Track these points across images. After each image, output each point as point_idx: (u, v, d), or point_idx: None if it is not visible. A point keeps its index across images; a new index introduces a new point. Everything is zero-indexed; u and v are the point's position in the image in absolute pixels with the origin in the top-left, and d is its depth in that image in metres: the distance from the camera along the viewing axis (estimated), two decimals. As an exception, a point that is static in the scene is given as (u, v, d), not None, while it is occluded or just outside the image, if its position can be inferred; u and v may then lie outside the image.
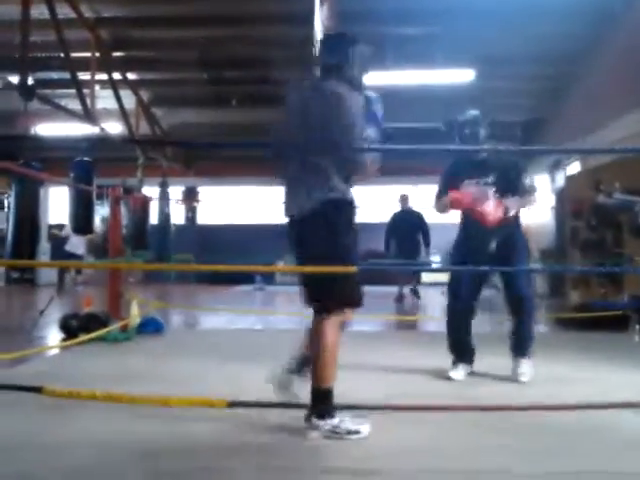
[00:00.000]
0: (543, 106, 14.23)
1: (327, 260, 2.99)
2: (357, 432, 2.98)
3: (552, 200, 13.33)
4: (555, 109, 13.92)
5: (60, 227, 14.70)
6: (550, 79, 13.15)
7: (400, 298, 10.92)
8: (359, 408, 3.32)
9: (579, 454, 2.84)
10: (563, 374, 4.52)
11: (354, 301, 3.10)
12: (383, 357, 5.19)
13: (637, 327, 6.67)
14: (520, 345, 4.40)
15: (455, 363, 4.46)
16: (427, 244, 10.92)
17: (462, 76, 11.65)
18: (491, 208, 4.16)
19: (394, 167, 14.37)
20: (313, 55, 7.93)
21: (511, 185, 4.25)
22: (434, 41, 10.79)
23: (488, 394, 3.96)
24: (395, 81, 11.70)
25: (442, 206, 4.40)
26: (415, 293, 11.26)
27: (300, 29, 8.88)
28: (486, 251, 4.32)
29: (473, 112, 4.49)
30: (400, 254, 10.67)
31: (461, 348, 4.49)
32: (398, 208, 11.24)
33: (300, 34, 8.92)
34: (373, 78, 11.77)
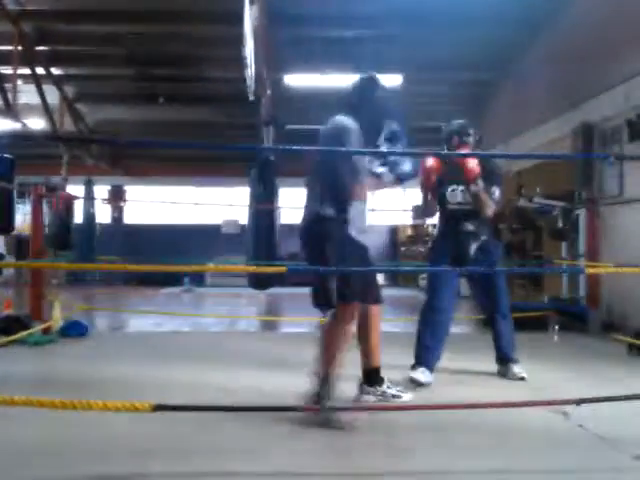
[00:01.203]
0: (468, 111, 14.58)
1: (313, 261, 3.53)
2: (399, 397, 3.76)
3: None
4: (479, 115, 14.30)
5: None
6: (475, 85, 13.49)
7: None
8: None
9: (503, 453, 2.93)
10: (487, 374, 4.65)
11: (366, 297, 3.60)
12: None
13: (556, 327, 6.93)
14: (504, 349, 4.57)
15: (416, 365, 4.33)
16: None
17: (390, 80, 11.81)
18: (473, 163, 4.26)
19: None
20: (242, 55, 7.90)
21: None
22: (362, 44, 10.91)
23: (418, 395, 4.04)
24: (321, 83, 11.80)
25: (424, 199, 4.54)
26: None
27: (230, 28, 8.82)
28: (465, 254, 4.40)
29: (459, 121, 4.58)
30: None
31: (429, 355, 4.33)
32: None
33: (229, 33, 8.86)
34: (300, 80, 11.77)
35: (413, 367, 4.31)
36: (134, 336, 7.24)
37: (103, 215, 15.76)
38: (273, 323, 7.22)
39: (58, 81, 12.79)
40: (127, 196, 18.38)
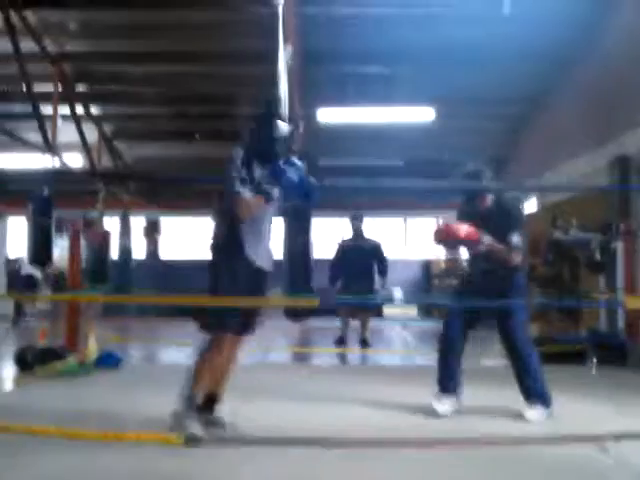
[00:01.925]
0: (502, 146, 14.55)
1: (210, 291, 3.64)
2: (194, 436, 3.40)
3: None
4: (514, 149, 14.25)
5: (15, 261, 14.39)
6: (509, 119, 13.48)
7: (341, 341, 8.68)
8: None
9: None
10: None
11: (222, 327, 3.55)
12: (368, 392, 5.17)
13: (594, 361, 6.77)
14: (527, 392, 4.32)
15: (440, 395, 4.37)
16: (383, 273, 8.90)
17: (423, 115, 11.86)
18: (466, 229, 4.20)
19: (376, 203, 14.60)
20: (276, 94, 8.02)
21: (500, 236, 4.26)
22: (395, 80, 11.01)
23: (452, 429, 3.97)
24: (357, 119, 11.89)
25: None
26: (364, 344, 8.71)
27: (264, 67, 8.96)
28: (480, 288, 4.37)
29: (474, 166, 4.52)
30: (349, 289, 8.65)
31: (448, 381, 4.39)
32: (348, 235, 9.19)
33: (263, 72, 9.00)
34: (333, 115, 11.94)
35: (436, 395, 4.35)
36: (168, 368, 7.25)
37: (139, 250, 15.92)
38: (306, 355, 7.19)
39: (96, 119, 13.12)
40: (162, 229, 18.51)
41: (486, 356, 7.04)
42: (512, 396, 4.33)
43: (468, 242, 4.26)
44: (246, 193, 3.55)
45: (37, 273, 13.22)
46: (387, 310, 14.97)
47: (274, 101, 4.09)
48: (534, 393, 4.26)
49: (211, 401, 3.68)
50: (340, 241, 9.22)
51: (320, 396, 4.90)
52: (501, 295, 4.32)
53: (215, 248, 3.72)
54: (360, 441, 3.44)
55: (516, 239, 4.23)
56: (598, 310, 8.49)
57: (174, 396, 4.08)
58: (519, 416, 4.20)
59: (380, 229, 14.88)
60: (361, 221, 9.06)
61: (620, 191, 8.67)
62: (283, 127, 3.81)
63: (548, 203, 10.85)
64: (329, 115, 12.07)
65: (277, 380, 5.77)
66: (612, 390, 5.43)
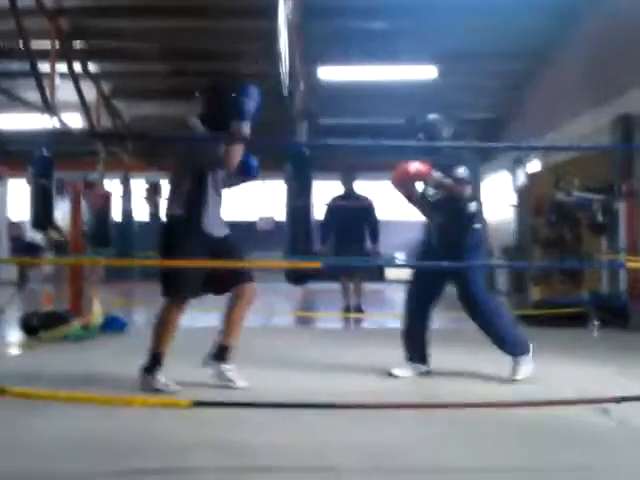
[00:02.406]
0: (505, 103, 14.40)
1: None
2: (233, 382, 3.97)
3: (513, 197, 13.51)
4: (517, 106, 14.11)
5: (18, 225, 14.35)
6: (512, 76, 13.29)
7: (347, 309, 8.40)
8: (323, 406, 3.31)
9: (540, 450, 2.89)
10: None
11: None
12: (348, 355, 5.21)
13: (596, 323, 6.81)
14: (499, 346, 4.36)
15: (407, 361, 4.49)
16: (375, 239, 8.41)
17: (425, 73, 11.70)
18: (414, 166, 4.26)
19: (363, 164, 14.51)
20: (277, 50, 7.91)
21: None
22: (398, 37, 10.83)
23: (450, 391, 4.01)
24: (359, 77, 11.73)
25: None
26: (358, 310, 8.41)
27: (264, 22, 8.81)
28: (433, 244, 4.45)
29: (433, 116, 4.52)
30: (339, 251, 8.22)
31: (411, 345, 4.49)
32: (340, 191, 8.70)
33: (264, 27, 8.86)
34: (334, 73, 11.73)
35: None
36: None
37: (141, 211, 15.88)
38: (308, 319, 7.22)
39: (95, 77, 12.94)
40: (163, 192, 18.49)
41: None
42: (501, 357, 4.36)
43: (419, 177, 4.29)
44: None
45: (39, 238, 13.20)
46: (390, 273, 15.02)
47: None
48: (508, 344, 4.30)
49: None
50: (329, 199, 8.69)
51: (319, 360, 4.94)
52: (455, 253, 4.28)
53: (171, 217, 4.04)
54: (360, 404, 3.48)
55: (462, 171, 4.23)
56: (600, 272, 8.51)
57: (179, 359, 4.14)
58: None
59: (381, 190, 14.84)
60: (352, 178, 8.58)
61: (623, 151, 8.60)
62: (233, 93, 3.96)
63: (551, 164, 10.78)
64: (330, 73, 11.92)
65: (277, 344, 5.82)
66: (614, 352, 5.48)
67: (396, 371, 4.43)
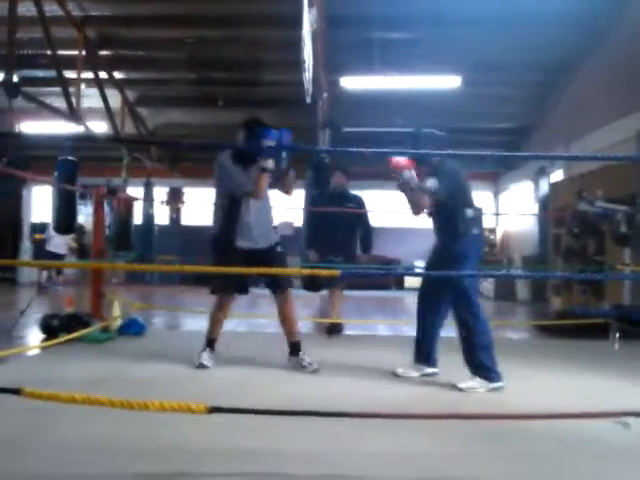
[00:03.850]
0: (530, 113, 14.34)
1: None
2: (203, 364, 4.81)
3: (535, 207, 13.42)
4: (541, 117, 14.03)
5: (42, 227, 14.54)
6: (536, 87, 13.24)
7: (333, 329, 7.04)
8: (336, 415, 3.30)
9: (558, 462, 2.86)
10: (545, 382, 4.55)
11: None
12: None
13: (617, 335, 6.72)
14: (465, 361, 4.35)
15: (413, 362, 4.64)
16: (366, 246, 7.27)
17: (448, 82, 11.68)
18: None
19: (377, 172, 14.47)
20: (301, 59, 7.94)
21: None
22: (421, 46, 10.84)
23: (467, 401, 3.98)
24: (382, 85, 11.73)
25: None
26: (331, 331, 7.02)
27: (288, 31, 8.87)
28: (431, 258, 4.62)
29: (424, 130, 4.52)
30: (326, 255, 7.00)
31: (419, 347, 4.62)
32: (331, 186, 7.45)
33: (288, 36, 8.91)
34: (357, 82, 11.68)
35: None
36: (190, 335, 7.33)
37: (162, 216, 16.05)
38: (324, 325, 7.21)
39: (120, 85, 13.11)
40: (185, 198, 18.66)
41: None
42: (526, 368, 4.32)
43: (397, 169, 4.32)
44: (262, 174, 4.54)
45: (61, 243, 13.36)
46: (409, 281, 14.99)
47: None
48: (474, 365, 4.26)
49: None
50: (314, 198, 7.46)
51: (339, 366, 4.94)
52: (447, 259, 4.35)
53: (213, 237, 4.87)
54: (377, 413, 3.45)
55: (430, 183, 4.29)
56: (622, 283, 8.40)
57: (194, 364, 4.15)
58: (539, 389, 4.20)
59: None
60: (345, 175, 7.44)
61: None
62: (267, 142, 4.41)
63: (574, 174, 10.69)
64: (353, 82, 11.94)
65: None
66: (635, 364, 5.40)
67: (400, 371, 4.57)
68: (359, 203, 7.27)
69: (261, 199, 4.75)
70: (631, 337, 6.69)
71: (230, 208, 4.76)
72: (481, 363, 4.24)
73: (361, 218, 7.22)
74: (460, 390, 4.18)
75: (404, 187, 4.38)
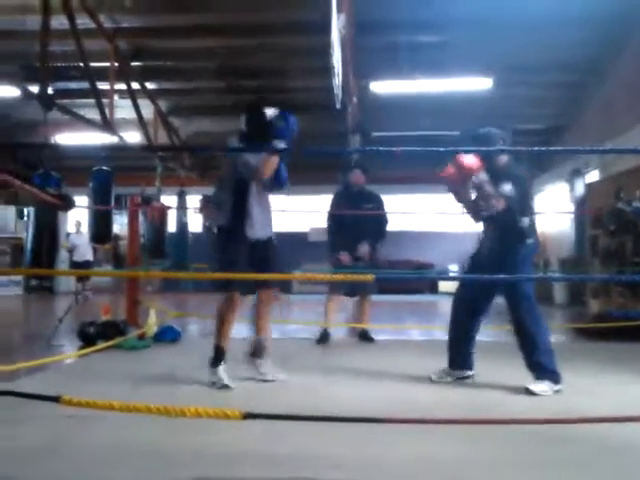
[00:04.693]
0: (562, 114, 14.17)
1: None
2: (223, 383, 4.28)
3: (571, 208, 13.23)
4: (574, 117, 13.85)
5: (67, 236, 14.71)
6: (569, 87, 13.09)
7: (324, 338, 6.74)
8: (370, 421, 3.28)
9: (600, 469, 2.80)
10: (584, 385, 4.46)
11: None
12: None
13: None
14: (531, 367, 4.29)
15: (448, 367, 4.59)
16: (379, 237, 6.93)
17: (480, 84, 11.60)
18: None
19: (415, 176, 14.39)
20: (330, 65, 7.95)
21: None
22: (449, 49, 10.79)
23: (502, 405, 3.92)
24: (412, 89, 11.69)
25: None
26: (365, 337, 6.90)
27: (317, 38, 8.90)
28: (483, 256, 4.47)
29: (488, 129, 4.47)
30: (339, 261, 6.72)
31: (454, 352, 4.57)
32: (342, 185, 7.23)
33: (317, 43, 8.94)
34: (386, 87, 11.64)
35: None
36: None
37: (195, 224, 16.17)
38: (357, 328, 7.19)
39: (152, 95, 13.27)
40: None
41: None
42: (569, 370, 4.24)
43: (469, 171, 4.23)
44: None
45: (87, 253, 13.46)
46: (443, 285, 14.87)
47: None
48: (541, 368, 4.22)
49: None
50: (333, 197, 7.17)
51: (370, 371, 4.91)
52: (505, 266, 4.19)
53: (220, 228, 4.54)
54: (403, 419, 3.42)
55: (507, 188, 4.21)
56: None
57: (228, 370, 4.17)
58: (575, 391, 4.12)
59: (435, 202, 14.72)
60: (363, 172, 6.95)
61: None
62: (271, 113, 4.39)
63: (610, 174, 10.52)
64: (383, 86, 11.92)
65: (330, 355, 5.80)
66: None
67: (435, 376, 4.52)
68: (378, 202, 6.95)
69: (267, 180, 4.47)
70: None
71: (239, 197, 4.49)
72: (546, 366, 4.23)
73: (379, 217, 6.90)
74: (532, 394, 4.12)
75: (477, 190, 4.30)
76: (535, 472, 2.75)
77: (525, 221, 4.33)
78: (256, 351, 4.64)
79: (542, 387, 4.17)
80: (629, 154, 9.77)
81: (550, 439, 3.13)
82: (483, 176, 4.24)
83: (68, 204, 6.31)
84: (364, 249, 6.70)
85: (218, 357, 4.40)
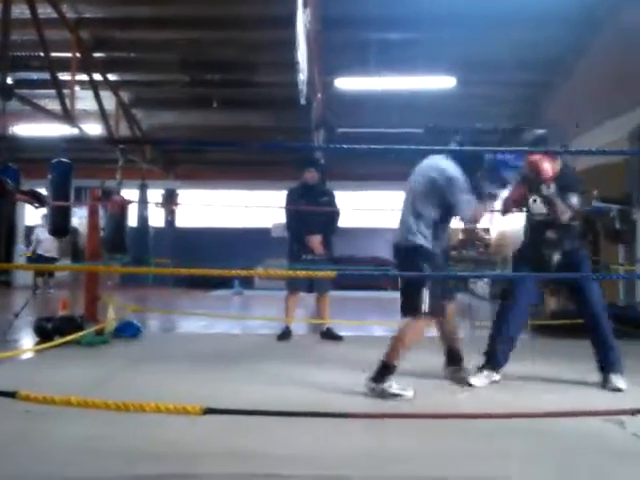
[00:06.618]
0: (522, 113, 14.35)
1: (407, 285, 4.26)
2: (400, 395, 3.94)
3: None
4: (534, 117, 14.04)
5: (30, 230, 14.48)
6: (530, 86, 13.26)
7: (285, 334, 6.74)
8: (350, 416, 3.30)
9: (554, 459, 2.86)
10: (547, 380, 4.56)
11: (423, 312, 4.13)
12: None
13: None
14: (604, 358, 4.46)
15: (481, 368, 4.51)
16: (331, 230, 6.95)
17: (444, 83, 11.69)
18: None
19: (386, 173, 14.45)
20: (295, 60, 7.94)
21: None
22: (416, 47, 10.84)
23: (476, 402, 3.99)
24: (377, 86, 11.74)
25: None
26: (330, 335, 6.79)
27: (282, 32, 8.87)
28: (547, 264, 4.50)
29: (541, 131, 4.60)
30: (296, 257, 6.76)
31: (494, 354, 4.53)
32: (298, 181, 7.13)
33: (282, 37, 8.92)
34: (351, 83, 11.62)
35: (479, 370, 4.48)
36: (185, 338, 7.33)
37: (156, 219, 16.02)
38: (319, 326, 7.20)
39: (114, 87, 13.08)
40: (179, 200, 18.63)
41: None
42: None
43: (545, 175, 4.34)
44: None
45: (53, 248, 13.29)
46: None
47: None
48: (615, 360, 4.42)
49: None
50: (287, 193, 7.19)
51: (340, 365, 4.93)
52: (573, 265, 4.41)
53: (416, 247, 4.23)
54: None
55: (575, 200, 4.35)
56: (617, 282, 8.42)
57: (189, 366, 4.14)
58: (543, 388, 4.20)
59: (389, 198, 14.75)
60: (316, 172, 6.99)
61: (640, 160, 8.52)
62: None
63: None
64: (348, 82, 11.95)
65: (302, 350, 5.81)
66: (629, 364, 5.38)
67: (474, 380, 4.43)
68: (330, 196, 7.00)
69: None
70: (625, 336, 6.68)
71: (442, 217, 4.28)
72: (620, 360, 4.44)
73: (331, 211, 6.95)
74: (619, 390, 4.26)
75: (548, 200, 4.37)
76: (490, 464, 2.80)
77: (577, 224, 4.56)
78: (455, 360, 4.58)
79: (622, 381, 4.34)
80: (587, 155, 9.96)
81: (516, 432, 3.18)
82: (553, 187, 4.35)
83: (41, 201, 6.18)
84: (315, 240, 6.66)
85: (387, 373, 4.06)
